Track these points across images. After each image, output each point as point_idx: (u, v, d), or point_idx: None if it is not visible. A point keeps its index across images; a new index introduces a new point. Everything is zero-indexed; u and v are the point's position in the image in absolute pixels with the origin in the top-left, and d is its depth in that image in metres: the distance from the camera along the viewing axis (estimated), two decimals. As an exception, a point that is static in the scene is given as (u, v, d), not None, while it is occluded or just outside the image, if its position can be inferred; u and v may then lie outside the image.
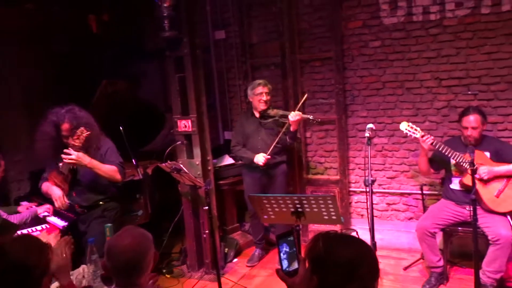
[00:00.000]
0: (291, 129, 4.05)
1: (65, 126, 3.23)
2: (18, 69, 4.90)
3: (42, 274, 1.85)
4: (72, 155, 3.15)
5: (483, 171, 3.47)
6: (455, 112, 4.15)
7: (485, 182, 3.49)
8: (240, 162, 4.73)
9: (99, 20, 5.21)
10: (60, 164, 3.24)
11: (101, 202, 3.39)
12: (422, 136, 3.55)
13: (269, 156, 4.10)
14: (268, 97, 4.19)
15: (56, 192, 3.36)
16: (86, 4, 5.11)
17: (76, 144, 3.20)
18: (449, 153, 3.50)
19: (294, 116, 3.95)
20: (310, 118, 4.01)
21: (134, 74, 5.37)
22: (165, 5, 3.71)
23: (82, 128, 3.18)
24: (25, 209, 4.10)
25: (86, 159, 3.24)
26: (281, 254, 1.67)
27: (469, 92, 4.10)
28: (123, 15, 5.35)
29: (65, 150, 3.14)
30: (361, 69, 4.52)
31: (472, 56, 4.05)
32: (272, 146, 4.08)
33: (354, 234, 1.63)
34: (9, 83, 4.85)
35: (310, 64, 4.78)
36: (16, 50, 4.83)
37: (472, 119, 3.51)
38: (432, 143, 3.53)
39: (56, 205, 3.34)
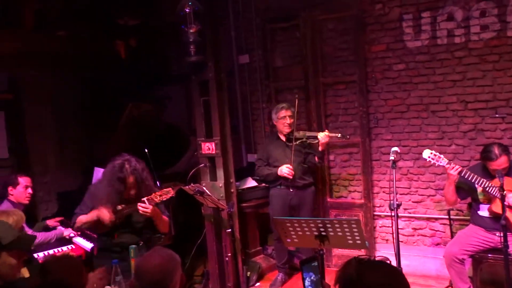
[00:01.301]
0: (320, 149, 4.14)
1: (131, 179, 3.20)
2: (49, 93, 5.09)
3: None
4: (148, 208, 3.15)
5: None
6: (483, 135, 4.08)
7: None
8: (263, 184, 4.74)
9: (127, 45, 5.38)
10: (119, 207, 3.21)
11: (141, 242, 3.31)
12: (448, 165, 3.46)
13: (291, 167, 4.13)
14: (292, 120, 4.26)
15: (102, 211, 3.19)
16: (114, 30, 5.29)
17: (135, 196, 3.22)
18: (475, 180, 3.41)
19: (324, 137, 4.03)
20: (338, 136, 4.11)
21: (160, 98, 5.50)
22: (191, 30, 3.81)
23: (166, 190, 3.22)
24: (53, 222, 4.19)
25: (158, 211, 3.27)
26: (306, 281, 1.65)
27: (497, 115, 4.03)
28: (149, 40, 5.51)
29: (142, 200, 3.15)
30: (385, 92, 4.50)
31: (499, 78, 3.99)
32: (292, 160, 4.14)
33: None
34: (40, 106, 5.03)
35: (333, 87, 4.80)
36: (48, 75, 5.03)
37: (501, 161, 3.34)
38: (459, 172, 3.44)
39: (105, 219, 3.15)
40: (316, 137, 4.15)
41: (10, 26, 4.48)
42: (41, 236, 3.77)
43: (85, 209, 3.28)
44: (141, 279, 1.89)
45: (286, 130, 4.27)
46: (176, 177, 4.88)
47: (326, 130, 4.16)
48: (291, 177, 4.16)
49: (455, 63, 4.15)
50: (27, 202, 3.84)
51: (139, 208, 3.15)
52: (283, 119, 4.25)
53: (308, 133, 4.23)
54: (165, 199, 3.22)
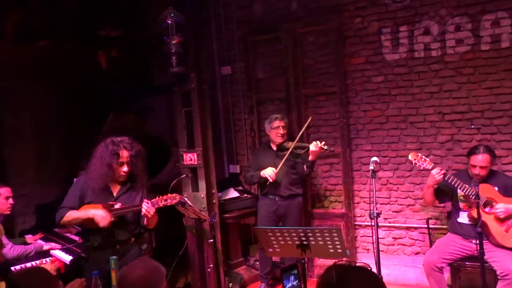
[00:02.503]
0: (310, 158, 4.17)
1: (125, 153, 3.19)
2: (28, 103, 5.02)
3: None
4: (151, 210, 3.14)
5: (500, 210, 3.43)
6: (459, 146, 4.18)
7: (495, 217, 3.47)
8: (245, 195, 4.75)
9: (108, 56, 5.36)
10: (117, 205, 3.16)
11: (132, 239, 3.31)
12: (433, 168, 3.54)
13: (275, 171, 4.15)
14: (285, 131, 4.33)
15: (98, 212, 3.10)
16: (96, 41, 5.28)
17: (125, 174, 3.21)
18: (458, 184, 3.49)
19: (314, 146, 4.07)
20: (329, 149, 4.16)
21: (141, 109, 5.47)
22: (173, 42, 3.84)
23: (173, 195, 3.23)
24: (32, 240, 4.13)
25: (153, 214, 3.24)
26: (286, 288, 1.67)
27: (472, 126, 4.14)
28: (131, 51, 5.51)
29: (146, 200, 3.14)
30: (365, 104, 4.58)
31: (474, 91, 4.10)
32: (279, 166, 4.16)
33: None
34: (19, 117, 4.96)
35: (314, 98, 4.87)
36: (28, 85, 4.97)
37: (480, 159, 3.48)
38: (443, 175, 3.52)
39: (101, 224, 3.06)
40: (304, 147, 4.20)
41: (-11, 36, 4.44)
42: (19, 249, 3.69)
43: (73, 201, 3.16)
44: (125, 289, 1.87)
45: (279, 140, 4.31)
46: (157, 188, 4.86)
47: (319, 141, 4.14)
48: (272, 180, 4.16)
49: (432, 76, 4.26)
50: (8, 212, 3.77)
51: (143, 208, 3.12)
52: (276, 129, 4.29)
53: (298, 144, 4.25)
54: (169, 204, 3.22)
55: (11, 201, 3.75)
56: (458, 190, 3.58)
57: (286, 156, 4.20)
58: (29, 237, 4.24)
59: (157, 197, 3.21)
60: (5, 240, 3.50)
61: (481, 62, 4.05)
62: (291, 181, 4.32)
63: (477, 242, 2.88)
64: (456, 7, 4.09)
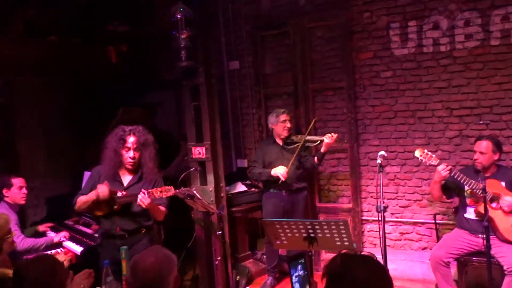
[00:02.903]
0: (322, 150, 4.15)
1: (131, 138, 3.29)
2: (38, 97, 5.09)
3: None
4: (146, 201, 3.16)
5: (506, 203, 3.44)
6: (467, 141, 4.18)
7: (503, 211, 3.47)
8: (252, 189, 4.78)
9: (118, 51, 5.40)
10: (119, 193, 3.25)
11: (143, 230, 3.39)
12: (439, 165, 3.56)
13: (286, 169, 4.13)
14: (291, 124, 4.35)
15: (99, 188, 3.22)
16: (105, 36, 5.33)
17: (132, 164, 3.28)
18: (464, 180, 3.50)
19: (329, 138, 4.05)
20: (343, 140, 4.25)
21: (151, 103, 5.52)
22: (182, 36, 3.86)
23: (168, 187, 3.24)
24: (43, 227, 4.20)
25: (154, 205, 3.27)
26: (293, 277, 1.70)
27: (481, 122, 4.13)
28: (140, 46, 5.55)
29: (143, 191, 3.18)
30: (373, 99, 4.59)
31: (483, 86, 4.09)
32: (290, 163, 4.15)
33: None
34: (30, 111, 5.03)
35: (322, 93, 4.88)
36: (39, 80, 5.03)
37: (482, 145, 3.56)
38: (449, 171, 3.54)
39: (100, 193, 3.17)
40: (315, 141, 4.17)
41: (1, 32, 4.49)
42: (30, 242, 3.76)
43: (86, 188, 3.34)
44: (136, 277, 1.92)
45: (285, 133, 4.31)
46: (165, 181, 4.90)
47: (333, 133, 4.13)
48: (284, 179, 4.14)
49: (441, 71, 4.25)
50: (23, 202, 3.87)
51: (138, 197, 3.17)
52: (284, 122, 4.29)
53: (308, 137, 4.24)
54: (165, 196, 3.24)
55: (24, 190, 3.84)
56: (465, 186, 3.58)
57: (298, 150, 4.19)
58: (40, 226, 4.31)
59: (154, 188, 3.24)
60: (17, 232, 3.56)
61: (490, 57, 4.03)
62: (298, 175, 4.34)
63: (484, 236, 2.88)
64: (466, 2, 4.07)
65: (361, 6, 4.53)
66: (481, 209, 3.45)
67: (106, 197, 3.19)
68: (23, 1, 4.60)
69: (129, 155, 3.29)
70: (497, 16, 3.96)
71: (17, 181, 3.81)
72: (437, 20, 4.21)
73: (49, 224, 4.35)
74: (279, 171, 4.14)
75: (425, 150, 3.65)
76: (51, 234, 4.19)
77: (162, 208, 3.40)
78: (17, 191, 3.79)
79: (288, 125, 4.31)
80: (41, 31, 4.82)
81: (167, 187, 3.26)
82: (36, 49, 4.83)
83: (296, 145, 4.24)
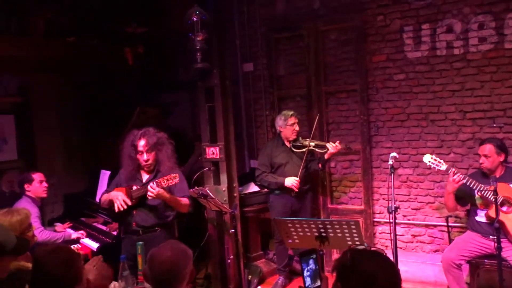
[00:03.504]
0: (326, 157, 4.26)
1: (141, 142, 3.42)
2: (57, 97, 5.22)
3: (71, 284, 1.95)
4: (154, 191, 3.24)
5: None
6: (481, 144, 4.18)
7: (512, 214, 3.47)
8: (265, 190, 4.83)
9: (135, 52, 5.51)
10: (134, 187, 3.37)
11: (157, 228, 3.46)
12: (447, 170, 3.57)
13: (298, 179, 4.22)
14: (298, 128, 4.41)
15: (116, 193, 3.38)
16: (123, 37, 5.43)
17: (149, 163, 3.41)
18: (474, 185, 3.51)
19: (334, 147, 4.16)
20: (348, 149, 4.30)
21: (166, 104, 5.61)
22: (198, 38, 3.94)
23: (171, 176, 3.29)
24: (61, 228, 4.33)
25: (166, 196, 3.34)
26: (305, 272, 1.75)
27: (494, 125, 4.13)
28: (157, 47, 5.65)
29: (150, 185, 3.27)
30: (386, 101, 4.61)
31: (497, 89, 4.09)
32: (301, 170, 4.23)
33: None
34: (49, 110, 5.16)
35: (335, 95, 4.92)
36: (57, 80, 5.16)
37: (485, 148, 3.58)
38: (460, 180, 3.54)
39: (116, 205, 3.31)
40: (323, 146, 4.25)
41: (21, 33, 4.62)
42: (48, 235, 3.87)
43: (110, 188, 3.54)
44: (153, 269, 1.99)
45: (293, 136, 4.37)
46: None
47: (338, 142, 4.24)
48: (296, 189, 4.24)
49: (454, 74, 4.26)
50: (45, 195, 4.02)
51: (148, 188, 3.27)
52: (292, 126, 4.34)
53: (317, 142, 4.32)
54: (170, 184, 3.29)
55: (45, 184, 3.97)
56: (475, 191, 3.59)
57: (305, 156, 4.27)
58: (58, 226, 4.43)
59: (162, 177, 3.31)
60: (37, 223, 3.67)
61: (504, 60, 4.03)
62: (304, 177, 4.37)
63: (495, 238, 2.89)
64: (480, 5, 4.08)
65: (375, 10, 4.56)
66: (492, 213, 3.45)
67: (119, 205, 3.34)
68: (44, 3, 4.72)
69: (143, 158, 3.41)
70: (511, 20, 3.96)
71: (37, 176, 3.95)
72: (451, 23, 4.22)
73: (67, 225, 4.47)
74: (291, 182, 4.23)
75: (433, 156, 3.66)
76: (69, 230, 4.30)
77: (184, 200, 3.50)
78: (38, 185, 3.93)
79: (297, 128, 4.37)
80: (60, 32, 4.94)
81: (172, 175, 3.29)
82: (55, 50, 4.95)
83: (304, 149, 4.29)
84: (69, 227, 4.42)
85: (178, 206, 3.49)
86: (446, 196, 3.76)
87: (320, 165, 4.39)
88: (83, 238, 4.15)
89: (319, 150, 4.32)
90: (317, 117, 4.49)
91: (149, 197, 3.31)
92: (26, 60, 4.72)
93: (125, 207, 3.32)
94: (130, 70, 5.52)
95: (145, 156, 3.40)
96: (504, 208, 3.49)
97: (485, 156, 3.57)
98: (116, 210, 3.34)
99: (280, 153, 4.44)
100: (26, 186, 3.90)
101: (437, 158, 3.64)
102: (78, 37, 5.06)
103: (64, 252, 2.14)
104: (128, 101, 5.30)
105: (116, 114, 5.21)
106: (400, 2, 4.43)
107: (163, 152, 3.45)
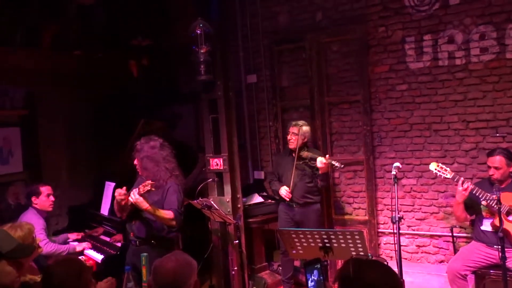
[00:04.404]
0: (319, 172, 4.21)
1: (135, 161, 3.53)
2: (63, 109, 5.27)
3: None
4: (132, 198, 3.25)
5: None
6: (484, 154, 4.16)
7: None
8: (269, 201, 4.85)
9: (139, 64, 5.57)
10: (133, 191, 3.36)
11: (152, 241, 3.42)
12: (453, 178, 3.57)
13: (289, 190, 4.26)
14: (295, 138, 4.34)
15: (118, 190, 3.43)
16: (127, 50, 5.50)
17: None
18: (480, 194, 3.51)
19: (320, 162, 4.13)
20: (335, 164, 4.04)
21: (170, 116, 5.65)
22: (201, 51, 3.99)
23: (149, 182, 3.27)
24: (75, 236, 4.35)
25: (144, 205, 3.25)
26: (309, 282, 1.75)
27: (497, 134, 4.13)
28: (161, 60, 5.71)
29: (132, 192, 3.29)
30: (388, 111, 4.63)
31: (499, 99, 4.11)
32: (292, 181, 4.25)
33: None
34: (54, 122, 5.20)
35: (338, 106, 4.94)
36: (62, 92, 5.21)
37: (496, 160, 3.56)
38: (469, 188, 3.53)
39: (116, 200, 3.40)
40: (316, 159, 4.22)
41: (28, 45, 4.68)
42: (53, 247, 3.88)
43: None
44: (157, 280, 2.00)
45: (291, 146, 4.39)
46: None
47: (327, 156, 4.20)
48: (287, 199, 4.29)
49: (456, 84, 4.28)
50: (51, 209, 4.04)
51: (130, 195, 3.29)
52: (288, 134, 4.39)
53: (311, 155, 4.30)
54: (145, 191, 3.22)
55: (52, 198, 4.00)
56: (481, 200, 3.58)
57: (294, 167, 4.29)
58: (72, 234, 4.44)
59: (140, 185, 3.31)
60: (42, 235, 3.68)
61: (506, 70, 4.06)
62: (307, 189, 4.35)
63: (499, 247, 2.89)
64: (481, 16, 4.12)
65: (377, 21, 4.61)
66: (497, 222, 3.44)
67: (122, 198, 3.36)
68: (51, 16, 4.80)
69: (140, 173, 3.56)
70: (512, 30, 3.99)
71: (45, 189, 3.97)
72: (452, 34, 4.25)
73: (81, 234, 4.49)
74: (282, 192, 4.29)
75: (439, 164, 3.67)
76: (74, 243, 4.31)
77: (168, 212, 3.34)
78: (45, 198, 3.95)
79: (291, 137, 4.35)
80: (67, 45, 5.01)
81: (147, 181, 3.24)
82: (61, 62, 5.01)
83: (303, 161, 4.32)
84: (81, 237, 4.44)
85: (159, 218, 3.35)
86: (456, 206, 3.74)
87: (319, 181, 4.30)
88: (87, 250, 4.16)
89: (314, 163, 4.23)
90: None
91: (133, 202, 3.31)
92: (33, 72, 4.78)
93: (122, 196, 3.32)
94: (135, 82, 5.57)
95: (141, 173, 3.50)
96: (510, 218, 3.48)
97: (496, 168, 3.55)
98: (128, 202, 3.33)
99: (284, 163, 4.47)
100: (33, 199, 3.92)
101: (443, 166, 3.64)
102: (84, 51, 5.12)
103: (75, 264, 2.17)
104: (133, 113, 5.35)
105: (121, 126, 5.25)
106: (401, 13, 4.47)
107: (144, 160, 3.45)
